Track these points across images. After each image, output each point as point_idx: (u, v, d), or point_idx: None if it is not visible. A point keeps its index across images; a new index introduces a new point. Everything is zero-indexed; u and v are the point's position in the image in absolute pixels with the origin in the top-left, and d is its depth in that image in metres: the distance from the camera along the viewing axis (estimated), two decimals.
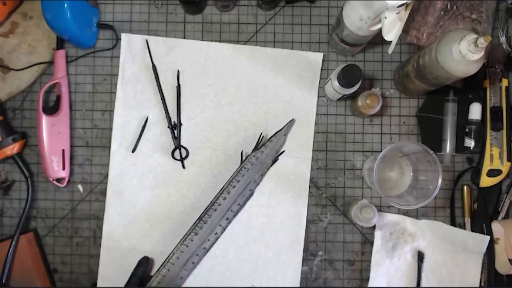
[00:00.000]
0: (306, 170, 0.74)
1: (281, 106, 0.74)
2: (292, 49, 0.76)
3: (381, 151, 0.64)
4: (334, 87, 0.67)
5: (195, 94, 0.74)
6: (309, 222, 0.74)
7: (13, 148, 0.72)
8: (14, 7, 0.74)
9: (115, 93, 0.75)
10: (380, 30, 0.59)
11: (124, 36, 0.75)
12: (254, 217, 0.74)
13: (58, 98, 0.74)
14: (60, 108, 0.73)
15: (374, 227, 0.73)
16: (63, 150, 0.73)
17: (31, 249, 0.72)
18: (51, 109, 0.73)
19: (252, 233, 0.74)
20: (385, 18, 0.57)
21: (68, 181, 0.74)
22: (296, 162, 0.74)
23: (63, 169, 0.73)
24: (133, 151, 0.74)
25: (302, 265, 0.74)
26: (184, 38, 0.76)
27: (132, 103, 0.74)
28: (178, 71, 0.74)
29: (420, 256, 0.72)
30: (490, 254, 0.72)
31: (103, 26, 0.75)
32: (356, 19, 0.61)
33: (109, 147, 0.75)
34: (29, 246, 0.72)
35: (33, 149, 0.75)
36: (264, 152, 0.71)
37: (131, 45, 0.75)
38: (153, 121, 0.74)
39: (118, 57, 0.75)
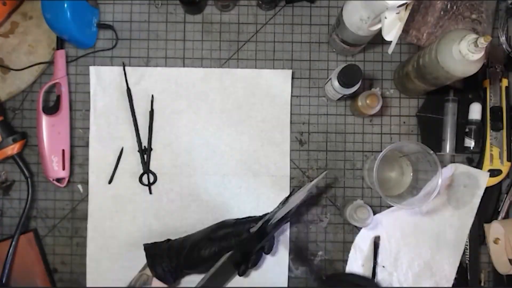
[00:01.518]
0: (285, 188, 0.74)
1: (255, 126, 0.74)
2: (292, 49, 0.76)
3: (381, 151, 0.64)
4: (334, 87, 0.67)
5: (169, 120, 0.74)
6: (309, 222, 0.74)
7: (13, 148, 0.72)
8: (14, 7, 0.74)
9: None
10: (380, 30, 0.59)
11: (92, 69, 0.74)
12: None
13: (58, 98, 0.74)
14: (60, 108, 0.73)
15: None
16: (63, 150, 0.73)
17: (31, 249, 0.73)
18: (51, 109, 0.73)
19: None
20: (385, 18, 0.57)
21: (68, 181, 0.74)
22: (275, 180, 0.74)
23: (63, 169, 0.73)
24: (110, 182, 0.73)
25: (302, 265, 0.74)
26: (184, 38, 0.76)
27: (107, 135, 0.74)
28: (152, 95, 0.74)
29: (376, 244, 0.72)
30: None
31: (103, 26, 0.75)
32: (356, 19, 0.61)
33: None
34: (29, 246, 0.72)
35: (33, 149, 0.75)
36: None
37: (100, 77, 0.74)
38: (129, 151, 0.74)
39: (118, 57, 0.76)
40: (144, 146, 0.74)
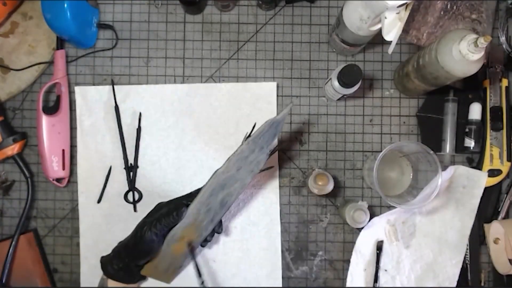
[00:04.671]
0: (275, 200, 0.74)
1: (242, 139, 0.73)
2: (292, 49, 0.76)
3: (381, 151, 0.64)
4: (334, 87, 0.67)
5: (156, 137, 0.74)
6: (309, 222, 0.75)
7: (13, 149, 0.72)
8: (14, 7, 0.74)
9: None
10: (380, 30, 0.59)
11: (77, 89, 0.74)
12: (230, 253, 0.73)
13: (58, 98, 0.74)
14: (60, 108, 0.73)
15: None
16: (63, 150, 0.73)
17: (31, 249, 0.72)
18: (51, 109, 0.73)
19: (229, 269, 0.73)
20: (385, 18, 0.57)
21: (68, 181, 0.74)
22: (264, 192, 0.74)
23: (63, 169, 0.73)
24: (99, 201, 0.73)
25: (302, 265, 0.74)
26: (184, 38, 0.76)
27: (94, 154, 0.74)
28: (140, 113, 0.74)
29: (379, 246, 0.72)
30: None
31: (103, 26, 0.75)
32: (356, 19, 0.61)
33: None
34: (29, 246, 0.72)
35: (33, 149, 0.75)
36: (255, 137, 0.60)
37: (85, 97, 0.74)
38: (117, 169, 0.74)
39: (118, 57, 0.76)
40: (130, 164, 0.73)
